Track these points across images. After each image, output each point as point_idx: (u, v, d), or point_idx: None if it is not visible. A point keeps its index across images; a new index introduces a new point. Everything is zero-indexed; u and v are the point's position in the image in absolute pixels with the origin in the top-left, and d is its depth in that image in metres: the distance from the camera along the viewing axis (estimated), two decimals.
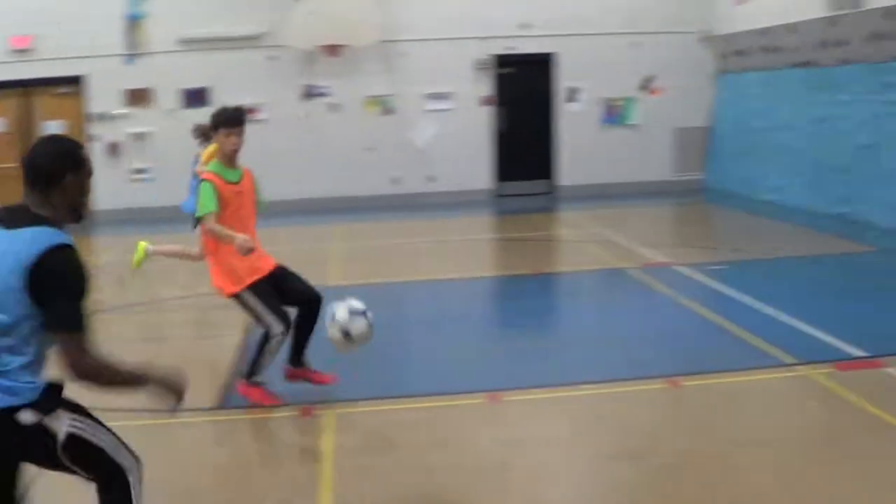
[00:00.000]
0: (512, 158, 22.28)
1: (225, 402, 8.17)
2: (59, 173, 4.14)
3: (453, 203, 20.99)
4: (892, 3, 15.51)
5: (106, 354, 4.07)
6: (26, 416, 4.00)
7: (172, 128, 20.96)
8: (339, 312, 7.33)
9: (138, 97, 21.45)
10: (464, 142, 21.79)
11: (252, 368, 7.89)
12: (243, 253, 7.59)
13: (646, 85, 22.49)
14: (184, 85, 21.29)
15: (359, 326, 7.31)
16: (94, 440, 4.19)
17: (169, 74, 21.18)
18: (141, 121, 21.42)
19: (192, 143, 13.15)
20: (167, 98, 21.35)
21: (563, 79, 22.36)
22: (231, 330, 10.72)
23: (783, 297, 11.00)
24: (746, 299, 11.04)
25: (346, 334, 7.31)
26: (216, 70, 21.11)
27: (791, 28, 18.84)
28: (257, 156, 20.72)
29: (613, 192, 21.68)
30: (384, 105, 21.71)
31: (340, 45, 20.95)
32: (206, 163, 10.48)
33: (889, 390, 7.74)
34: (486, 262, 15.48)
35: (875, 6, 16.06)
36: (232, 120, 7.95)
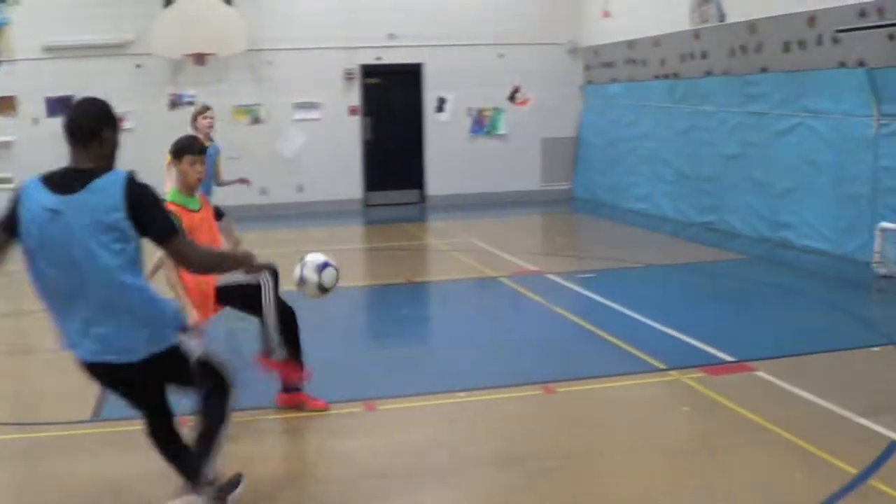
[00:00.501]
0: (381, 168, 22.22)
1: (99, 415, 7.95)
2: (98, 130, 4.90)
3: (322, 213, 20.86)
4: (754, 18, 15.90)
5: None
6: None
7: (36, 136, 20.50)
8: (307, 273, 7.23)
9: (1, 105, 20.86)
10: (332, 151, 21.67)
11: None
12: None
13: (513, 95, 22.68)
14: (49, 93, 20.72)
15: (329, 276, 7.25)
16: (216, 357, 5.34)
17: (33, 82, 20.60)
18: (3, 129, 20.83)
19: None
20: (31, 106, 20.77)
21: (431, 89, 22.42)
22: None
23: (653, 304, 11.16)
24: (616, 306, 11.17)
25: (322, 288, 7.24)
26: (82, 78, 20.56)
27: (656, 41, 19.19)
28: (121, 165, 20.64)
29: (483, 202, 21.82)
30: (252, 114, 21.48)
31: (207, 54, 20.66)
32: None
33: (758, 393, 7.88)
34: (358, 272, 15.35)
35: (737, 20, 16.45)
36: (198, 148, 7.75)
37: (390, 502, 6.09)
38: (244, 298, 7.55)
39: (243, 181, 13.13)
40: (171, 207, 7.09)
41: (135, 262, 4.90)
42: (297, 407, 7.71)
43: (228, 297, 7.62)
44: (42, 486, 6.57)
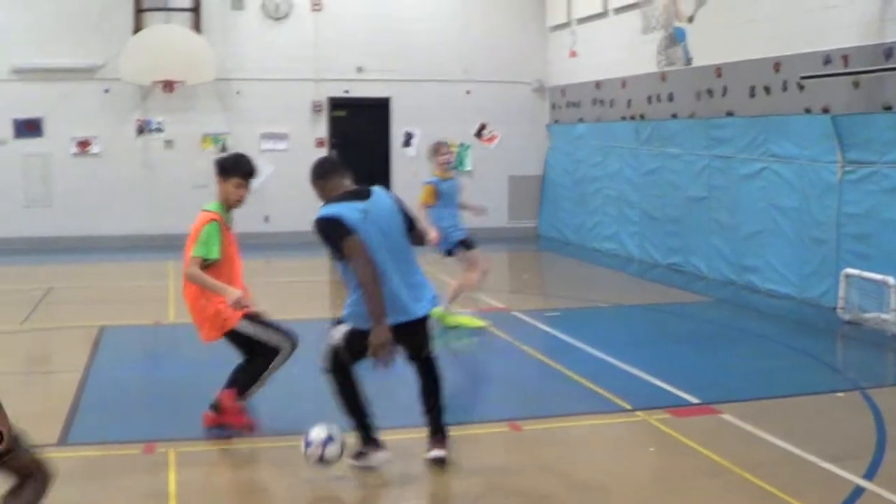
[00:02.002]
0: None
1: (65, 440, 7.89)
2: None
3: (289, 244, 20.77)
4: (720, 62, 16.06)
5: None
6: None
7: (4, 157, 20.43)
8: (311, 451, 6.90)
9: None
10: (299, 182, 21.43)
11: (247, 386, 7.73)
12: (237, 308, 7.47)
13: (480, 132, 22.77)
14: (16, 114, 20.65)
15: (332, 453, 6.90)
16: None
17: (2, 103, 20.54)
18: None
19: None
20: None
21: (399, 123, 22.49)
22: (68, 366, 10.45)
23: (619, 344, 11.19)
24: (582, 345, 11.20)
25: (324, 461, 6.89)
26: (50, 100, 20.58)
27: (623, 82, 19.34)
28: (88, 190, 20.55)
29: None
30: (219, 143, 21.42)
31: (176, 81, 20.63)
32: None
33: (724, 435, 7.91)
34: (325, 304, 15.34)
35: (703, 64, 16.61)
36: (250, 173, 7.94)
37: None
38: (250, 346, 7.69)
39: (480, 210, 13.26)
40: (216, 217, 7.59)
41: None
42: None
43: (238, 338, 7.74)
44: None
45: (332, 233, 6.54)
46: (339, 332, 6.86)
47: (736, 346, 11.62)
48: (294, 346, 7.83)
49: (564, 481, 7.03)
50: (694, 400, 8.85)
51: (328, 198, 6.81)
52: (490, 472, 7.21)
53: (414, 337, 6.96)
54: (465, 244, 12.29)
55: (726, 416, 8.32)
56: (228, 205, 7.88)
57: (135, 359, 11.27)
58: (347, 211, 6.59)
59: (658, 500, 6.67)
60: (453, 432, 7.61)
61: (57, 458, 7.37)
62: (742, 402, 8.79)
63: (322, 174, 6.99)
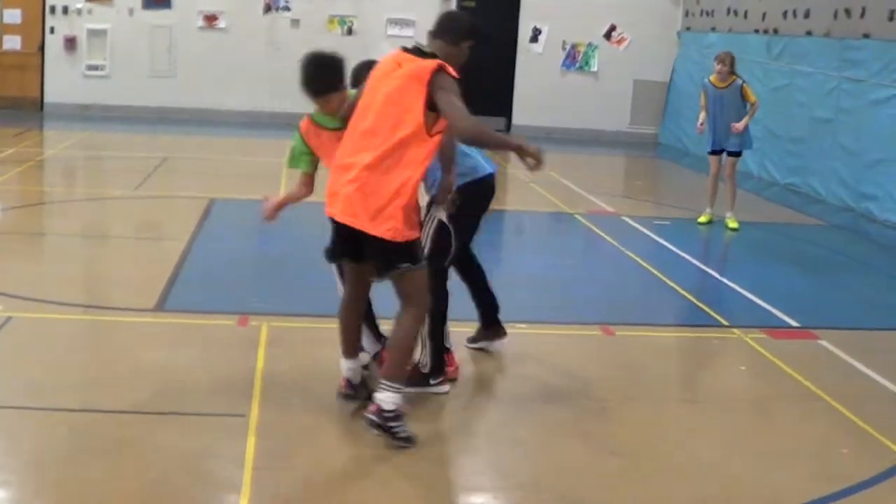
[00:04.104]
0: (469, 92, 21.90)
1: (162, 306, 8.14)
2: None
3: None
4: None
5: None
6: None
7: (130, 27, 20.76)
8: None
9: None
10: None
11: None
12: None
13: (609, 34, 22.44)
14: None
15: None
16: None
17: None
18: (99, 17, 21.05)
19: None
20: None
21: (528, 18, 22.24)
22: (174, 235, 10.70)
23: (724, 260, 11.12)
24: (688, 257, 11.12)
25: None
26: None
27: None
28: (212, 64, 20.80)
29: (568, 138, 21.60)
30: (345, 25, 21.47)
31: None
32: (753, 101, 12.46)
33: (819, 362, 7.81)
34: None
35: None
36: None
37: (443, 420, 6.19)
38: None
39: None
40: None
41: None
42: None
43: None
44: (108, 368, 6.76)
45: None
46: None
47: (844, 273, 11.40)
48: None
49: (651, 390, 7.04)
50: (793, 323, 8.73)
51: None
52: (577, 373, 7.24)
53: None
54: None
55: (824, 343, 8.19)
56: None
57: (240, 233, 11.48)
58: None
59: (742, 419, 6.65)
60: (545, 330, 7.69)
61: (152, 322, 7.72)
62: (842, 329, 8.64)
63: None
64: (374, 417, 5.53)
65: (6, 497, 4.88)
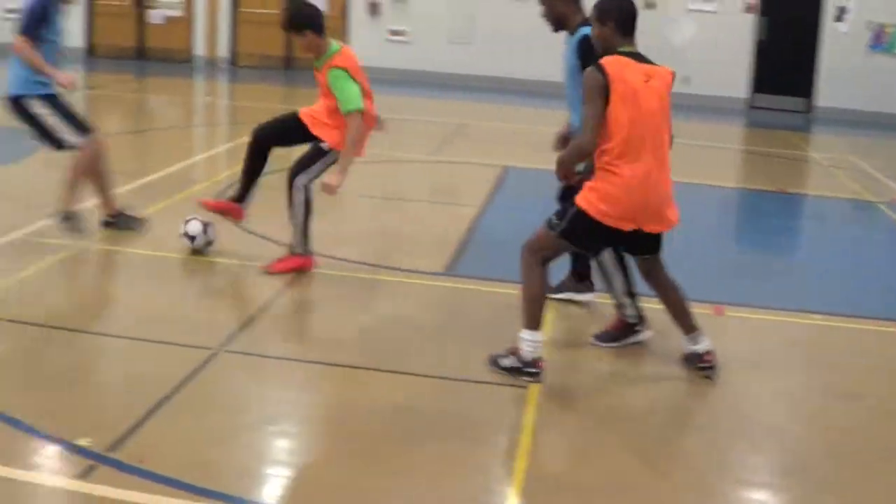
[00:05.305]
0: (771, 71, 21.43)
1: (451, 270, 8.30)
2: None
3: (706, 108, 20.37)
4: None
5: None
6: None
7: None
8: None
9: None
10: (723, 47, 21.12)
11: None
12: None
13: None
14: None
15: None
16: None
17: None
18: None
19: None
20: None
21: None
22: (468, 200, 10.87)
23: None
24: None
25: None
26: None
27: None
28: (509, 33, 20.99)
29: (875, 122, 20.54)
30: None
31: None
32: None
33: None
34: (731, 173, 15.10)
35: None
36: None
37: (717, 409, 6.05)
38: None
39: None
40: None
41: None
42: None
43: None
44: (389, 328, 6.96)
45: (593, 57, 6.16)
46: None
47: None
48: None
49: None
50: None
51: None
52: (870, 371, 6.85)
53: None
54: None
55: None
56: None
57: (532, 202, 11.45)
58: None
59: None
60: (844, 324, 7.37)
61: (440, 286, 7.85)
62: None
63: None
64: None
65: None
